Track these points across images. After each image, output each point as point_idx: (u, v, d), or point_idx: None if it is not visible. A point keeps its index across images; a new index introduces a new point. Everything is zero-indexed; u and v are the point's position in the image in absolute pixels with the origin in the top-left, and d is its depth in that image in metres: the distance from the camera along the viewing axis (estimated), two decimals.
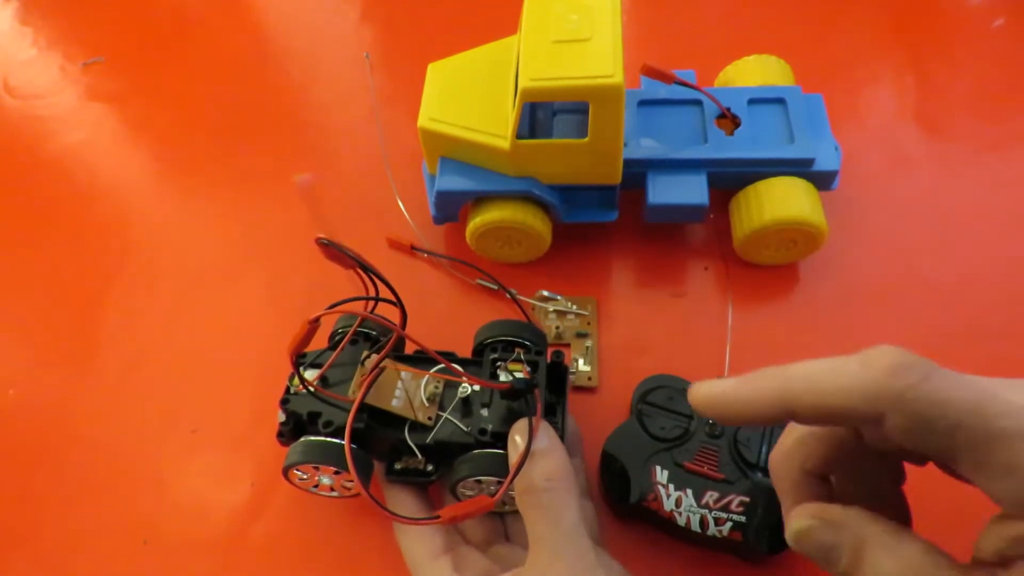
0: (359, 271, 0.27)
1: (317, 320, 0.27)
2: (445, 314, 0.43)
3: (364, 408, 0.31)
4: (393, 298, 0.28)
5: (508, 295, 0.42)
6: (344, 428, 0.31)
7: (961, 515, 0.24)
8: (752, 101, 0.42)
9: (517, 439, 0.29)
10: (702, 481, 0.33)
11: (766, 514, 0.32)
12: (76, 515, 0.38)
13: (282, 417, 0.32)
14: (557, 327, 0.41)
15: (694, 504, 0.32)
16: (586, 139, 0.37)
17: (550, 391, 0.33)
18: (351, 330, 0.33)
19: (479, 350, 0.35)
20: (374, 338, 0.35)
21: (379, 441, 0.32)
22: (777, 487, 0.25)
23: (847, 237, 0.43)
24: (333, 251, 0.25)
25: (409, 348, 0.36)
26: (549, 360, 0.33)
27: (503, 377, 0.32)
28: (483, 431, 0.31)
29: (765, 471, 0.33)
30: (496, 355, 0.33)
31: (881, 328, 0.40)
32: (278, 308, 0.45)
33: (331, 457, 0.31)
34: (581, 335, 0.41)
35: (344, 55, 0.58)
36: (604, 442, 0.35)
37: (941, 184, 0.46)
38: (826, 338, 0.40)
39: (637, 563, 0.31)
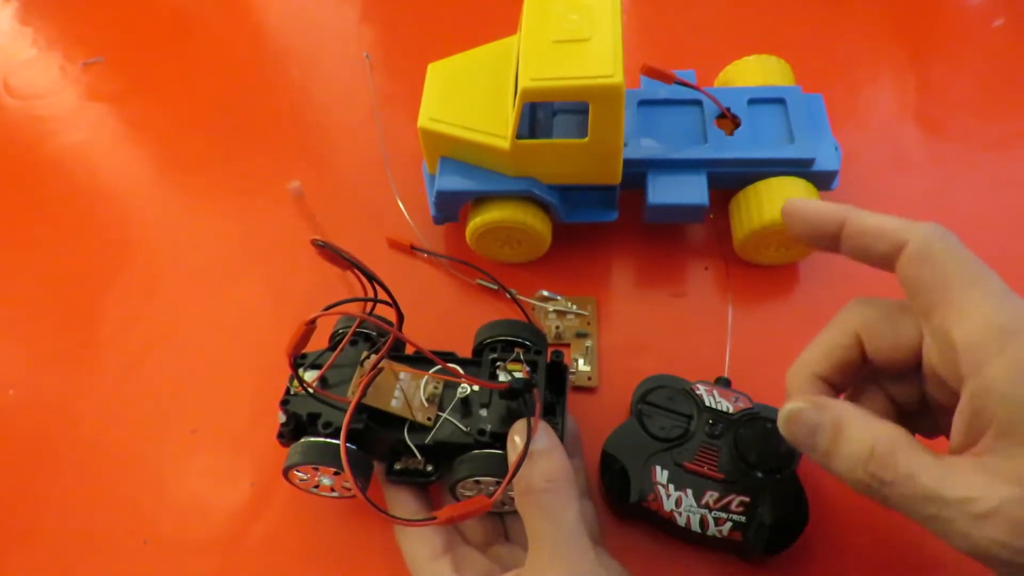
0: (355, 272, 0.27)
1: (314, 321, 0.27)
2: (445, 314, 0.43)
3: (363, 409, 0.31)
4: (389, 299, 0.28)
5: (508, 295, 0.42)
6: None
7: None
8: (752, 101, 0.42)
9: (516, 439, 0.29)
10: (702, 481, 0.33)
11: (766, 514, 0.32)
12: (76, 515, 0.38)
13: (282, 418, 0.32)
14: (557, 327, 0.41)
15: (694, 504, 0.32)
16: (586, 139, 0.37)
17: (550, 391, 0.33)
18: (350, 331, 0.33)
19: (479, 350, 0.35)
20: (374, 339, 0.35)
21: (379, 442, 0.32)
22: (789, 392, 0.28)
23: None
24: (329, 252, 0.25)
25: (410, 348, 0.36)
26: (548, 360, 0.33)
27: (502, 377, 0.32)
28: (482, 431, 0.31)
29: (765, 471, 0.33)
30: (495, 355, 0.33)
31: None
32: (278, 308, 0.45)
33: (330, 458, 0.31)
34: (581, 335, 0.41)
35: (344, 55, 0.58)
36: (604, 442, 0.35)
37: (941, 184, 0.46)
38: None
39: (637, 563, 0.31)
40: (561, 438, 0.30)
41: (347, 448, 0.31)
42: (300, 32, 0.61)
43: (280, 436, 0.33)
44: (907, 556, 0.34)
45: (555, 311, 0.42)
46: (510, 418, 0.31)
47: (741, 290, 0.42)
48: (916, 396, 0.26)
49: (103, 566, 0.37)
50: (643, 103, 0.43)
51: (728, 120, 0.42)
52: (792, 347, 0.40)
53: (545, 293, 0.43)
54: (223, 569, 0.36)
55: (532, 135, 0.40)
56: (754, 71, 0.45)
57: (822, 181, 0.41)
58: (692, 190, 0.40)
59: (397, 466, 0.33)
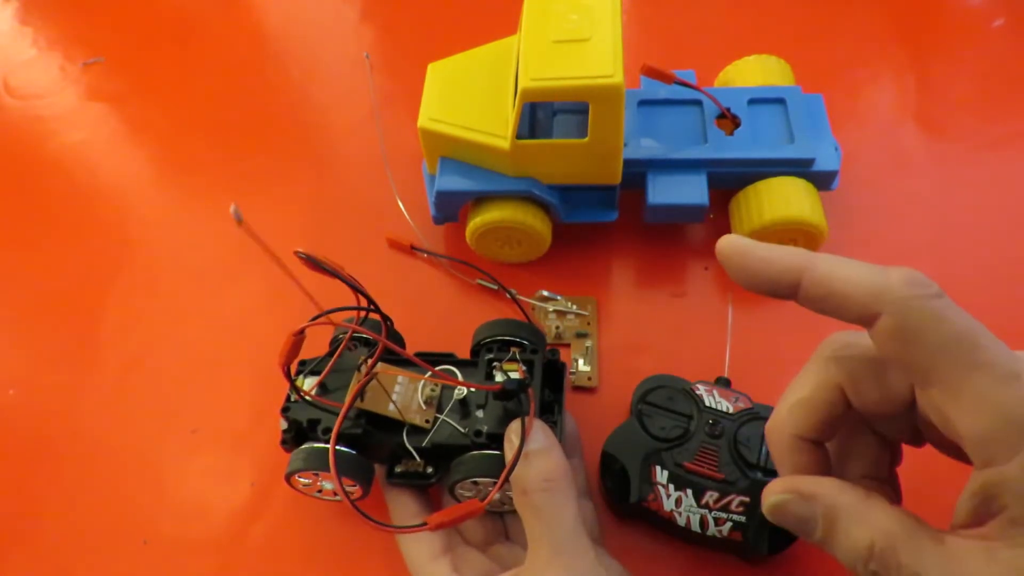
0: (347, 277, 0.27)
1: (302, 332, 0.27)
2: (445, 314, 0.43)
3: (362, 413, 0.31)
4: (373, 307, 0.28)
5: (508, 295, 0.42)
6: (344, 434, 0.31)
7: None
8: (752, 101, 0.42)
9: (512, 438, 0.29)
10: (702, 481, 0.33)
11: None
12: (76, 515, 0.38)
13: (284, 425, 0.32)
14: (557, 327, 0.41)
15: (694, 504, 0.32)
16: (586, 139, 0.37)
17: (548, 389, 0.33)
18: (344, 339, 0.33)
19: (476, 350, 0.35)
20: (371, 343, 0.35)
21: (378, 446, 0.32)
22: (773, 456, 0.26)
23: (847, 237, 0.43)
24: (312, 264, 0.26)
25: (409, 349, 0.36)
26: (545, 359, 0.33)
27: (498, 377, 0.32)
28: (479, 432, 0.31)
29: (765, 471, 0.33)
30: (492, 355, 0.33)
31: None
32: (278, 308, 0.44)
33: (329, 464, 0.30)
34: (581, 335, 0.41)
35: (344, 55, 0.58)
36: (604, 442, 0.35)
37: (941, 184, 0.46)
38: (826, 334, 0.40)
39: (637, 563, 0.31)
40: (559, 437, 0.30)
41: (347, 453, 0.31)
42: (300, 32, 0.61)
43: (283, 443, 0.33)
44: None
45: (555, 311, 0.42)
46: (507, 419, 0.31)
47: (741, 290, 0.42)
48: (908, 432, 0.24)
49: (103, 566, 0.37)
50: (643, 103, 0.43)
51: (728, 120, 0.42)
52: (792, 347, 0.40)
53: (545, 293, 0.43)
54: (223, 569, 0.36)
55: (532, 135, 0.40)
56: (754, 71, 0.45)
57: (822, 181, 0.41)
58: (692, 190, 0.40)
59: (397, 469, 0.33)
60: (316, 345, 0.33)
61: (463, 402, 0.32)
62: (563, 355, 0.38)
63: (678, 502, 0.33)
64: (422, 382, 0.32)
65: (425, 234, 0.46)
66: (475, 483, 0.31)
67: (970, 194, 0.45)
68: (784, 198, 0.39)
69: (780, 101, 0.42)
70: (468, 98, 0.41)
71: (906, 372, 0.22)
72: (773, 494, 0.23)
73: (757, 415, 0.34)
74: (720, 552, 0.34)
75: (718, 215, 0.44)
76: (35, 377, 0.44)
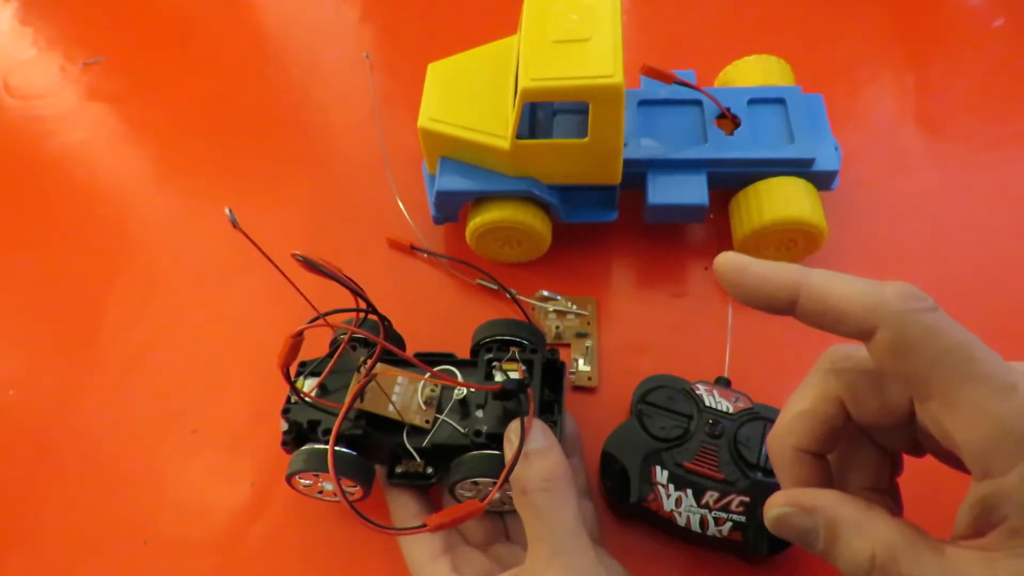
0: (346, 279, 0.28)
1: (300, 334, 0.27)
2: (445, 314, 0.43)
3: (362, 414, 0.31)
4: (371, 309, 0.28)
5: (508, 295, 0.42)
6: (344, 435, 0.31)
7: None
8: (752, 101, 0.42)
9: (512, 438, 0.29)
10: (702, 481, 0.33)
11: None
12: (76, 515, 0.38)
13: (284, 426, 0.32)
14: (557, 327, 0.41)
15: (694, 504, 0.32)
16: (586, 139, 0.37)
17: (547, 389, 0.33)
18: (344, 340, 0.33)
19: (476, 350, 0.35)
20: (371, 344, 0.35)
21: (379, 446, 0.32)
22: (775, 468, 0.26)
23: (847, 237, 0.43)
24: (310, 266, 0.26)
25: (410, 350, 0.36)
26: (544, 358, 0.33)
27: (498, 377, 0.32)
28: (478, 432, 0.31)
29: (765, 471, 0.33)
30: (491, 355, 0.33)
31: None
32: (278, 308, 0.44)
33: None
34: (581, 335, 0.41)
35: (344, 55, 0.58)
36: (604, 442, 0.35)
37: (941, 184, 0.46)
38: (826, 337, 0.40)
39: (637, 563, 0.31)
40: (559, 437, 0.30)
41: (347, 454, 0.31)
42: (300, 32, 0.61)
43: (284, 444, 0.33)
44: None
45: (555, 311, 0.42)
46: (506, 418, 0.31)
47: None
48: (908, 443, 0.24)
49: (103, 566, 0.37)
50: (643, 103, 0.43)
51: (728, 120, 0.42)
52: (792, 347, 0.41)
53: (545, 293, 0.43)
54: (223, 569, 0.36)
55: (532, 135, 0.40)
56: (754, 71, 0.45)
57: (822, 181, 0.41)
58: (692, 190, 0.40)
59: (398, 469, 0.33)
60: (317, 346, 0.33)
61: (463, 402, 0.32)
62: (563, 355, 0.38)
63: (678, 502, 0.33)
64: (422, 383, 0.32)
65: (425, 234, 0.46)
66: (475, 483, 0.31)
67: (970, 194, 0.45)
68: (784, 198, 0.39)
69: (780, 101, 0.42)
70: (468, 98, 0.41)
71: (904, 385, 0.22)
72: (775, 507, 0.23)
73: (757, 415, 0.34)
74: (720, 552, 0.34)
75: (718, 215, 0.44)
76: (35, 377, 0.44)
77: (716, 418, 0.34)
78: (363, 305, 0.28)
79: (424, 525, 0.26)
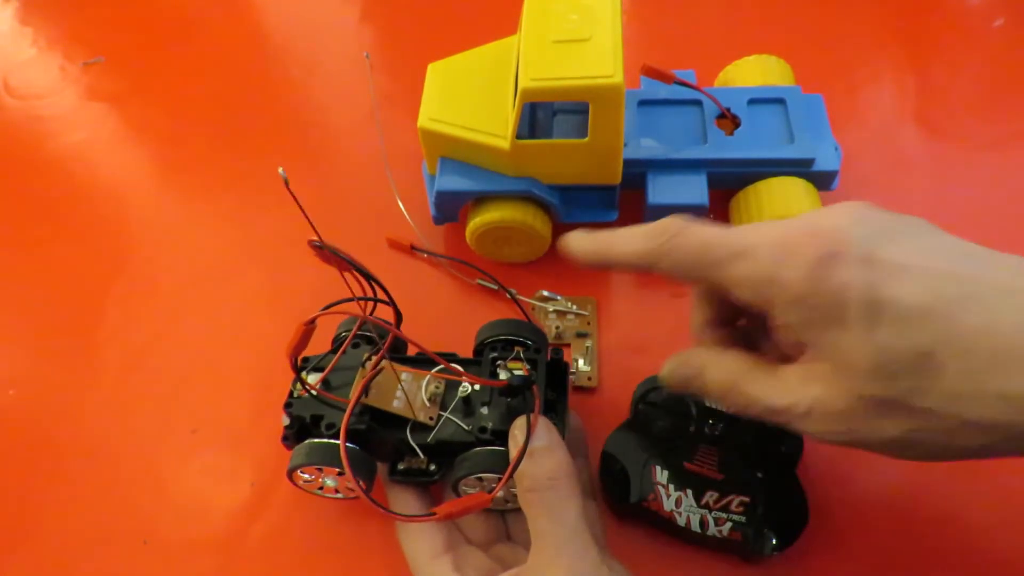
0: (354, 273, 0.27)
1: (313, 322, 0.27)
2: (445, 314, 0.43)
3: (366, 410, 0.31)
4: (387, 299, 0.28)
5: (508, 295, 0.42)
6: (348, 430, 0.31)
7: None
8: (752, 101, 0.42)
9: (517, 434, 0.29)
10: (702, 481, 0.33)
11: (766, 514, 0.32)
12: (76, 515, 0.38)
13: (286, 421, 0.32)
14: (557, 327, 0.41)
15: (694, 504, 0.32)
16: (586, 139, 0.37)
17: (550, 389, 0.33)
18: (351, 333, 0.33)
19: (479, 349, 0.35)
20: (375, 341, 0.35)
21: (381, 442, 0.32)
22: (693, 338, 0.32)
23: None
24: (326, 253, 0.25)
25: (412, 350, 0.36)
26: (548, 358, 0.33)
27: (502, 375, 0.32)
28: (483, 429, 0.31)
29: (765, 471, 0.33)
30: (496, 354, 0.33)
31: None
32: (278, 308, 0.45)
33: (333, 459, 0.31)
34: (581, 335, 0.41)
35: (344, 55, 0.58)
36: (604, 442, 0.35)
37: (941, 184, 0.46)
38: None
39: (637, 563, 0.31)
40: (563, 435, 0.30)
41: (352, 449, 0.31)
42: (300, 32, 0.61)
43: (284, 439, 0.33)
44: (906, 556, 0.34)
45: (555, 311, 0.42)
46: (511, 416, 0.31)
47: None
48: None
49: (103, 566, 0.37)
50: (643, 103, 0.43)
51: (728, 120, 0.42)
52: None
53: (545, 293, 0.43)
54: (223, 569, 0.36)
55: (532, 135, 0.40)
56: (754, 71, 0.45)
57: (822, 181, 0.41)
58: (692, 190, 0.40)
59: (400, 466, 0.33)
60: (317, 344, 0.33)
61: (466, 400, 0.32)
62: (563, 355, 0.38)
63: (678, 502, 0.33)
64: (426, 379, 0.32)
65: (425, 234, 0.46)
66: (479, 479, 0.31)
67: (969, 194, 0.45)
68: (784, 198, 0.39)
69: (780, 101, 0.42)
70: (468, 98, 0.41)
71: (713, 289, 0.29)
72: (667, 365, 0.31)
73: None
74: (720, 552, 0.34)
75: (718, 215, 0.44)
76: (35, 377, 0.44)
77: (716, 418, 0.34)
78: (379, 292, 0.28)
79: (434, 514, 0.26)
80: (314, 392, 0.31)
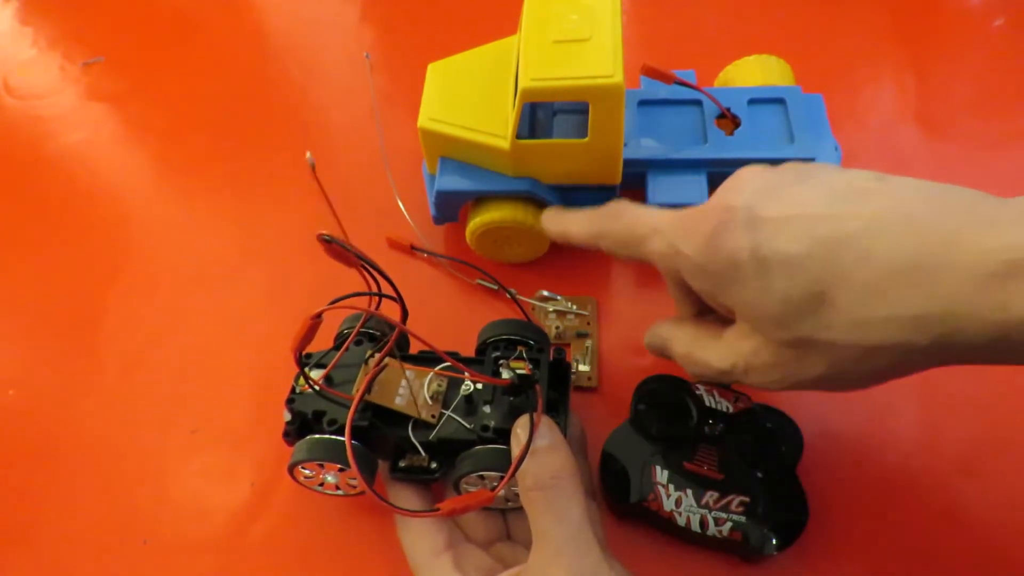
0: (361, 269, 0.27)
1: (319, 316, 0.27)
2: (445, 314, 0.43)
3: (368, 407, 0.31)
4: (394, 295, 0.28)
5: (508, 295, 0.42)
6: (351, 426, 0.31)
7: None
8: (752, 101, 0.42)
9: (519, 433, 0.29)
10: (702, 481, 0.33)
11: (766, 514, 0.32)
12: (76, 515, 0.38)
13: (288, 416, 0.33)
14: (557, 327, 0.41)
15: (694, 504, 0.32)
16: (586, 139, 0.37)
17: (552, 388, 0.33)
18: (355, 329, 0.33)
19: (482, 349, 0.35)
20: (378, 339, 0.35)
21: (383, 440, 0.32)
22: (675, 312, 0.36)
23: None
24: (335, 248, 0.25)
25: (414, 348, 0.36)
26: (551, 358, 0.33)
27: (505, 375, 0.32)
28: (486, 427, 0.31)
29: (765, 471, 0.33)
30: (498, 353, 0.33)
31: None
32: (278, 308, 0.45)
33: (335, 454, 0.31)
34: (581, 335, 0.41)
35: (344, 55, 0.58)
36: (604, 442, 0.35)
37: None
38: None
39: (637, 563, 0.31)
40: (565, 436, 0.30)
41: (355, 445, 0.31)
42: (300, 32, 0.61)
43: (286, 435, 0.33)
44: (906, 556, 0.34)
45: (555, 311, 0.42)
46: (513, 415, 0.31)
47: None
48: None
49: (103, 566, 0.37)
50: (643, 103, 0.43)
51: (728, 120, 0.42)
52: None
53: (545, 293, 0.43)
54: (223, 569, 0.36)
55: (532, 135, 0.40)
56: (754, 71, 0.45)
57: None
58: (692, 190, 0.40)
59: (402, 463, 0.33)
60: (318, 341, 0.33)
61: (469, 398, 0.32)
62: None
63: (678, 502, 0.33)
64: (429, 377, 0.32)
65: (425, 234, 0.46)
66: (481, 477, 0.31)
67: None
68: None
69: (780, 101, 0.42)
70: (468, 98, 0.41)
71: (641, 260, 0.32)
72: (646, 337, 0.36)
73: (757, 415, 0.34)
74: (720, 552, 0.34)
75: None
76: (35, 377, 0.44)
77: (716, 418, 0.34)
78: (388, 288, 0.28)
79: (438, 509, 0.26)
80: (318, 387, 0.31)
